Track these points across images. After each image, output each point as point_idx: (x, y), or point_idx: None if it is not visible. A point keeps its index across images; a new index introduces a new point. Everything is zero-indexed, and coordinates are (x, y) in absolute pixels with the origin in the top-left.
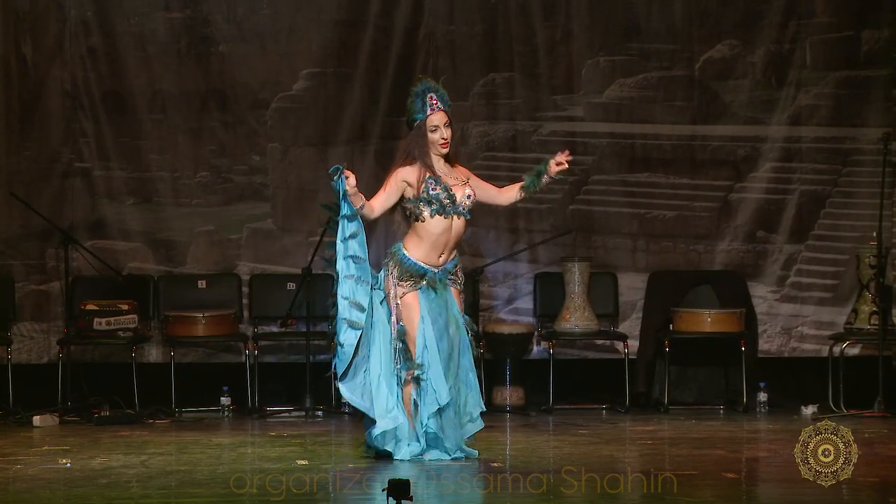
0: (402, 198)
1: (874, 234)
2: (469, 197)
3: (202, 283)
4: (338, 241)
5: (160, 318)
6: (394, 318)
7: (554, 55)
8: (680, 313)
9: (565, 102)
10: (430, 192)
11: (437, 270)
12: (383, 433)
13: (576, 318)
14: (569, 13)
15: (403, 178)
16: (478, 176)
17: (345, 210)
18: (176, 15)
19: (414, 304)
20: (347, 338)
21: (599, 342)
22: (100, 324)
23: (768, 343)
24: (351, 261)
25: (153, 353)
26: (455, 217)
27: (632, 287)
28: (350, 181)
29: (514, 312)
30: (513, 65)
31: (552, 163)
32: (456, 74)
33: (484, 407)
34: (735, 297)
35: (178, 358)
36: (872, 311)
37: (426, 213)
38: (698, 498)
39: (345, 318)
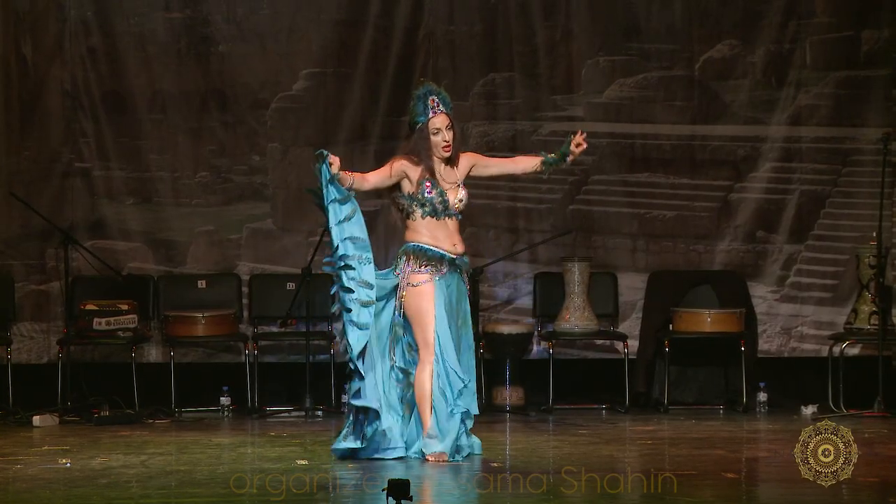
0: (399, 190)
1: (874, 234)
2: (461, 200)
3: (202, 283)
4: (332, 226)
5: (160, 318)
6: (396, 305)
7: (554, 55)
8: (680, 313)
9: (565, 102)
10: (426, 195)
11: (455, 256)
12: (381, 432)
13: (575, 318)
14: (569, 13)
15: (404, 170)
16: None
17: (333, 195)
18: (176, 15)
19: (429, 294)
20: (363, 316)
21: (599, 342)
22: (99, 324)
23: (768, 343)
24: (349, 242)
25: (153, 353)
26: (447, 218)
27: (631, 287)
28: (334, 167)
29: (514, 312)
30: (513, 65)
31: (573, 144)
32: (456, 74)
33: (477, 409)
34: (735, 297)
35: (177, 358)
36: (872, 311)
37: (418, 213)
38: (698, 498)
39: (357, 299)
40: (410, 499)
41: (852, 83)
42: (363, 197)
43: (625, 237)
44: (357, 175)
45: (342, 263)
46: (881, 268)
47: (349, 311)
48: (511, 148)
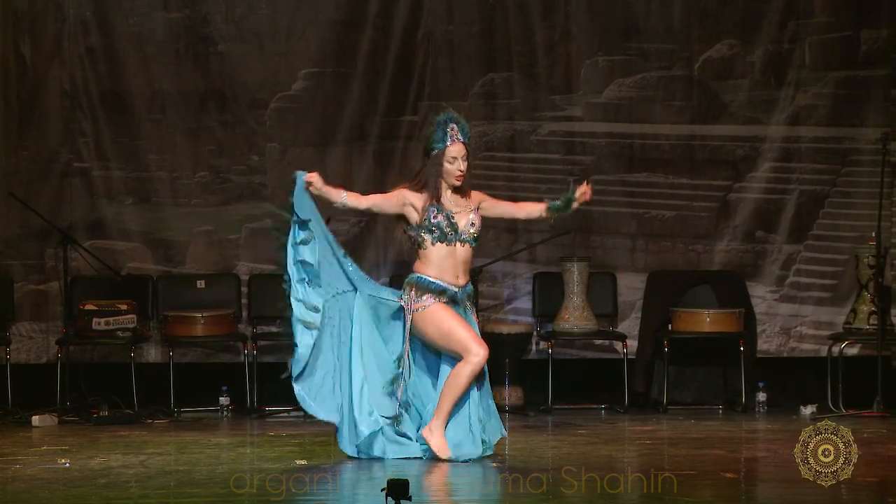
0: (406, 223)
1: (873, 233)
2: (473, 225)
3: (201, 283)
4: (287, 246)
5: (159, 318)
6: (407, 330)
7: (553, 55)
8: (679, 313)
9: (564, 102)
10: (432, 220)
11: (457, 290)
12: (367, 438)
13: (575, 317)
14: (567, 13)
15: (409, 201)
16: (488, 191)
17: (295, 217)
18: (175, 15)
19: (438, 309)
20: (303, 339)
21: (598, 342)
22: (98, 324)
23: (767, 343)
24: (300, 266)
25: (152, 353)
26: (458, 244)
27: (631, 287)
28: (315, 180)
29: (513, 312)
30: (511, 65)
31: (578, 192)
32: (454, 74)
33: (505, 432)
34: (734, 297)
35: (176, 358)
36: (871, 311)
37: (428, 241)
38: (697, 498)
39: (300, 319)
40: (409, 498)
41: (851, 83)
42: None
43: (624, 237)
44: (352, 194)
45: (289, 282)
46: (880, 268)
47: (292, 331)
48: (509, 148)
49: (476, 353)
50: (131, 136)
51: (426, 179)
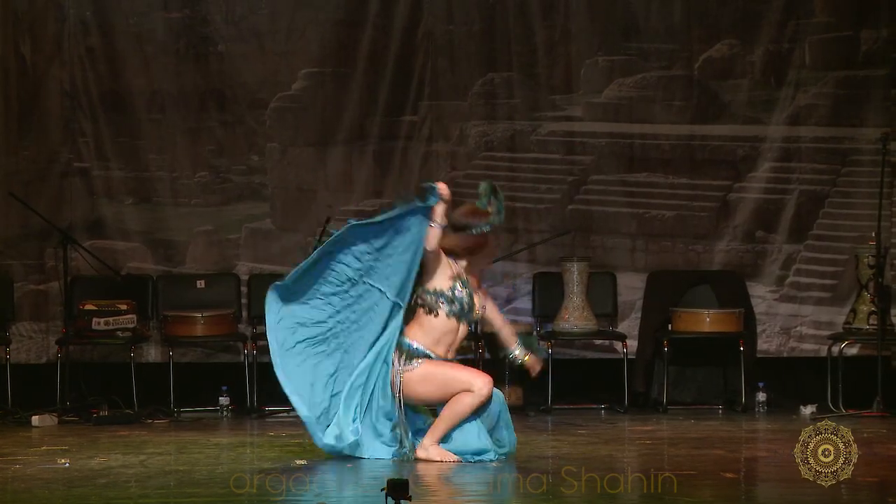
0: (422, 286)
1: (873, 233)
2: (482, 309)
3: (201, 283)
4: (377, 217)
5: (159, 318)
6: (398, 395)
7: (553, 55)
8: (679, 313)
9: (564, 102)
10: (456, 294)
11: (442, 359)
12: (352, 442)
13: (574, 317)
14: (567, 13)
15: (443, 260)
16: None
17: (406, 206)
18: (175, 15)
19: (427, 367)
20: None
21: (598, 342)
22: (98, 324)
23: (767, 343)
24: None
25: (152, 353)
26: (465, 323)
27: (631, 287)
28: (447, 195)
29: (513, 312)
30: (511, 64)
31: (533, 361)
32: (454, 74)
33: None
34: (734, 297)
35: (176, 358)
36: (871, 310)
37: (443, 311)
38: (697, 498)
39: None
40: (409, 498)
41: (851, 83)
42: (364, 195)
43: (624, 237)
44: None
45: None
46: (880, 268)
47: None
48: (509, 148)
49: (482, 386)
50: (131, 136)
51: (470, 252)
